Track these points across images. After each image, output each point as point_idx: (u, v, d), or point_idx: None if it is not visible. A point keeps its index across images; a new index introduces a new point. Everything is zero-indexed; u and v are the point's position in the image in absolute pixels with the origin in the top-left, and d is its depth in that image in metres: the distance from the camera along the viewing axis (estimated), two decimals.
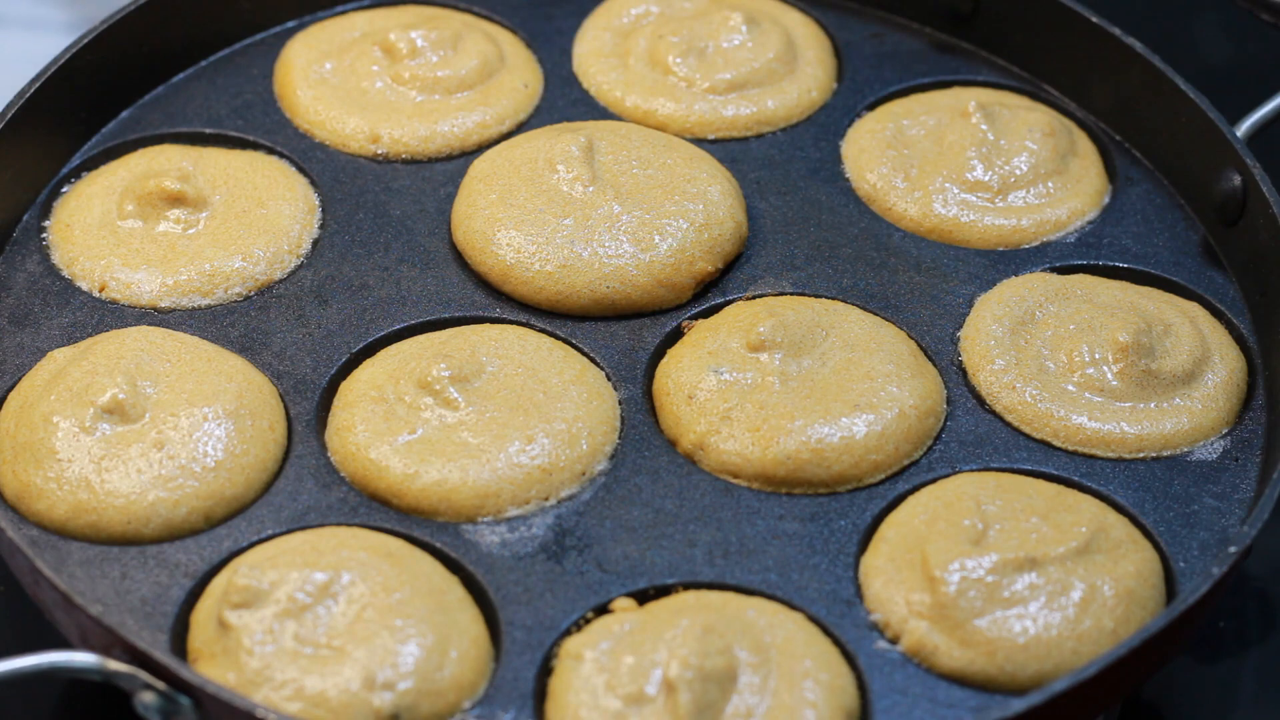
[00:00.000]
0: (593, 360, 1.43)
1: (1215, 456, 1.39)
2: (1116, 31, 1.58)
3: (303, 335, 1.44)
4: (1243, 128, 1.52)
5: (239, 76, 1.62)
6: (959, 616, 1.28)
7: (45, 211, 1.52)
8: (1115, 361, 1.42)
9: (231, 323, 1.45)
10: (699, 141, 1.57)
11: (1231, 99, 1.57)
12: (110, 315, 1.45)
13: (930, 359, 1.44)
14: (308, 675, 1.24)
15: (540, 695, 1.26)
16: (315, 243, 1.50)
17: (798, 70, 1.62)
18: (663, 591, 1.31)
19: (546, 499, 1.35)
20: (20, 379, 1.40)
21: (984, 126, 1.55)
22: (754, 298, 1.47)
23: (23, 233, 1.50)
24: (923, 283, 1.49)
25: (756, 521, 1.34)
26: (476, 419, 1.37)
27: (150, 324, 1.43)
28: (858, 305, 1.46)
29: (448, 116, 1.57)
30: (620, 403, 1.41)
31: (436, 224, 1.51)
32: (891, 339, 1.43)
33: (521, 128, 1.58)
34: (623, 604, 1.29)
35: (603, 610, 1.29)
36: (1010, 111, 1.57)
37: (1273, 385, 1.43)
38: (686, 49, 1.61)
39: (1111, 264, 1.51)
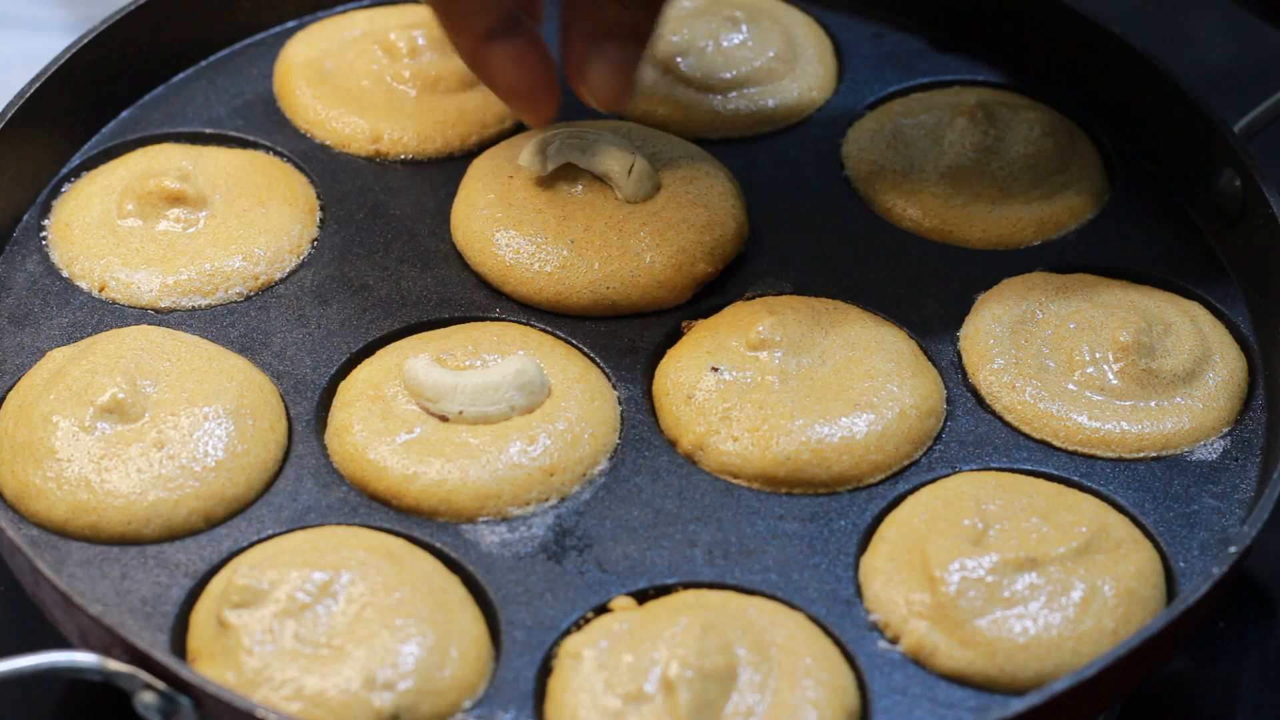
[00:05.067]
0: (593, 360, 1.43)
1: (1215, 456, 1.39)
2: (1116, 31, 1.59)
3: (303, 335, 1.44)
4: (1240, 125, 1.52)
5: (239, 76, 1.62)
6: (959, 616, 1.28)
7: (45, 211, 1.52)
8: (1115, 361, 1.42)
9: (231, 323, 1.45)
10: (699, 141, 1.57)
11: (1231, 99, 1.57)
12: (110, 315, 1.45)
13: (930, 359, 1.44)
14: (307, 675, 1.24)
15: (540, 695, 1.26)
16: (315, 243, 1.51)
17: (798, 69, 1.62)
18: (662, 591, 1.31)
19: (547, 499, 1.35)
20: (20, 379, 1.40)
21: (984, 126, 1.55)
22: (753, 298, 1.47)
23: (23, 232, 1.50)
24: (923, 283, 1.49)
25: (756, 521, 1.34)
26: None
27: (150, 324, 1.43)
28: (858, 305, 1.46)
29: (448, 116, 1.57)
30: (620, 403, 1.41)
31: (436, 224, 1.51)
32: (891, 339, 1.43)
33: (522, 127, 1.58)
34: (622, 603, 1.29)
35: (603, 610, 1.29)
36: (1010, 111, 1.57)
37: (1273, 385, 1.43)
38: (687, 47, 1.61)
39: (1111, 264, 1.51)
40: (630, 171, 1.47)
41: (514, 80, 1.39)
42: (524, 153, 1.48)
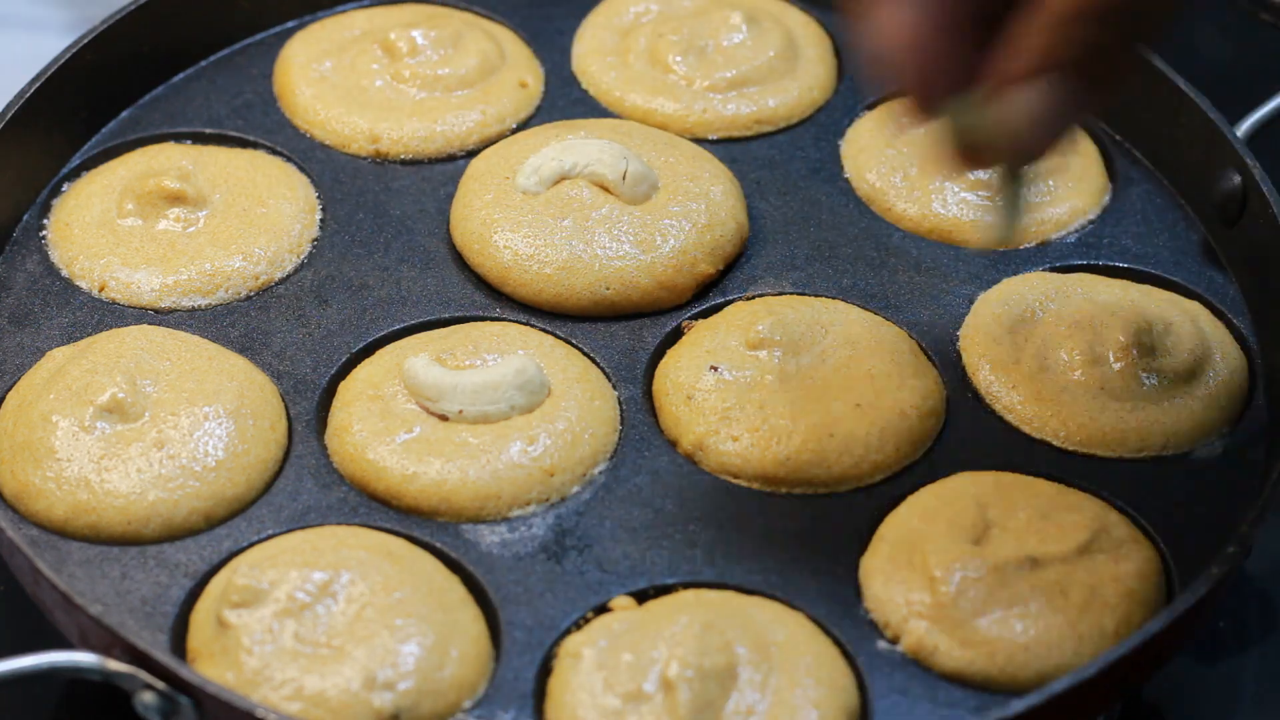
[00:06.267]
0: (593, 360, 1.43)
1: (1215, 456, 1.39)
2: None
3: (303, 335, 1.44)
4: (1243, 128, 1.52)
5: (239, 76, 1.62)
6: (959, 616, 1.28)
7: (45, 211, 1.52)
8: (1116, 360, 1.42)
9: (231, 323, 1.45)
10: (699, 141, 1.57)
11: (1231, 99, 1.57)
12: (110, 315, 1.45)
13: (930, 359, 1.44)
14: (307, 675, 1.24)
15: (540, 695, 1.26)
16: (315, 243, 1.50)
17: (798, 69, 1.62)
18: (663, 591, 1.31)
19: (547, 499, 1.35)
20: (20, 379, 1.40)
21: None
22: (753, 298, 1.47)
23: (23, 232, 1.50)
24: (923, 283, 1.49)
25: (756, 521, 1.34)
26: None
27: (150, 324, 1.43)
28: (858, 305, 1.46)
29: (448, 115, 1.57)
30: (620, 403, 1.41)
31: (436, 224, 1.51)
32: (891, 338, 1.43)
33: (522, 127, 1.58)
34: (622, 603, 1.29)
35: (603, 610, 1.29)
36: None
37: (1273, 385, 1.43)
38: (687, 47, 1.61)
39: (1111, 264, 1.51)
40: (624, 178, 1.47)
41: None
42: (518, 178, 1.48)
